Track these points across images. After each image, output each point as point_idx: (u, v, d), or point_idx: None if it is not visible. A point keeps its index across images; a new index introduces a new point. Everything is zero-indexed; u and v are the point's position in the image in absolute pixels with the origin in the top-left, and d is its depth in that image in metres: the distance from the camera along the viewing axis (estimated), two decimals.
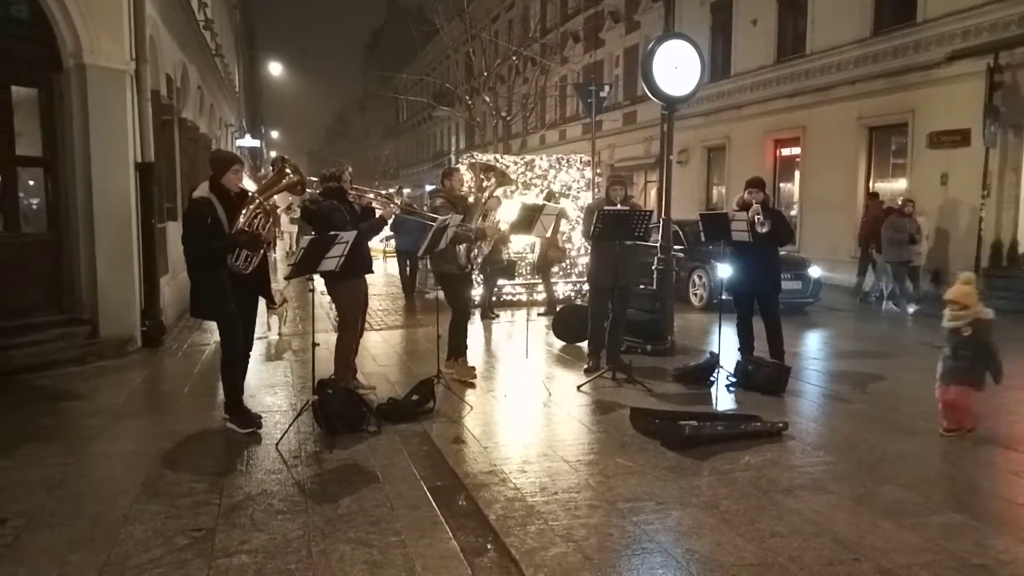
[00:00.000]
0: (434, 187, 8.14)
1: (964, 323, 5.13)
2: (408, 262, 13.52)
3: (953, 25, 13.06)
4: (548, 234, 8.90)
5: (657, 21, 21.38)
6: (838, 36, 15.70)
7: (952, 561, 3.41)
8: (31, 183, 8.36)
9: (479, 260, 7.15)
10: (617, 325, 7.13)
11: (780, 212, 7.56)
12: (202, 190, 5.16)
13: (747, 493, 4.21)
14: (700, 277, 11.80)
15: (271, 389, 6.49)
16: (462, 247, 6.73)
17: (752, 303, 7.17)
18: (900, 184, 14.64)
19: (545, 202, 9.28)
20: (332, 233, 5.18)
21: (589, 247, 7.69)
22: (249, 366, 5.74)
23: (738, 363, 6.84)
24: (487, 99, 25.09)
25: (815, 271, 11.66)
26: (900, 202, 12.02)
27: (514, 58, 25.54)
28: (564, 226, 11.27)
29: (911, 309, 11.40)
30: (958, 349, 5.16)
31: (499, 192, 7.19)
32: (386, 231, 15.35)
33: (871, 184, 15.35)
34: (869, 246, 12.78)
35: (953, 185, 13.09)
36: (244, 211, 5.11)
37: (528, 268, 11.64)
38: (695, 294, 11.89)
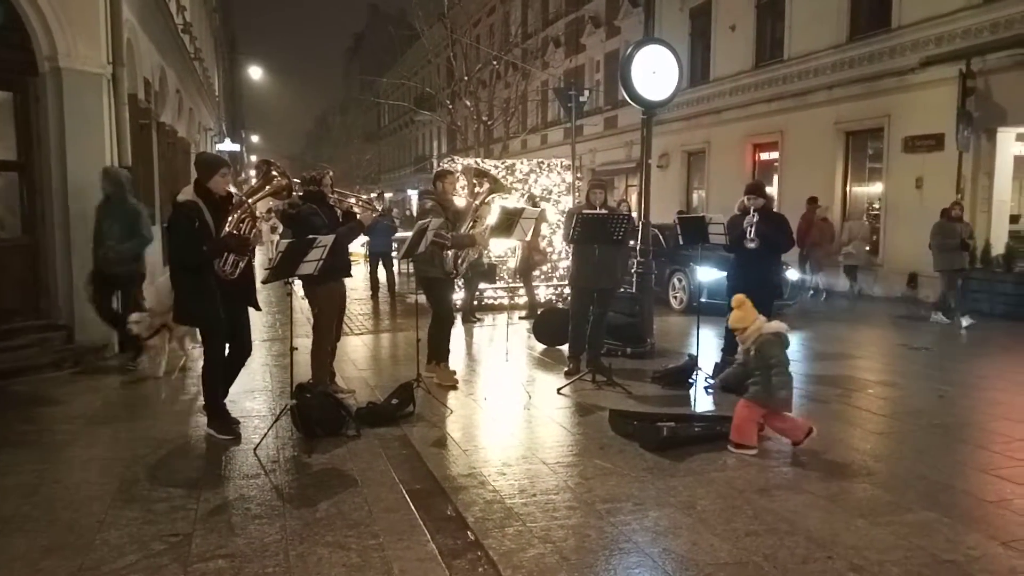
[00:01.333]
0: (424, 188, 8.11)
1: (749, 344, 5.14)
2: (381, 263, 13.73)
3: (927, 31, 13.28)
4: (528, 238, 8.94)
5: (637, 26, 21.53)
6: (815, 42, 15.90)
7: (924, 557, 3.47)
8: (5, 188, 8.27)
9: (464, 266, 7.09)
10: (598, 328, 7.16)
11: (783, 217, 7.31)
12: (187, 193, 5.08)
13: (723, 493, 4.25)
14: (680, 280, 11.86)
15: (250, 394, 6.46)
16: (449, 252, 6.68)
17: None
18: (876, 188, 14.85)
19: (525, 206, 9.32)
20: (310, 237, 5.16)
21: (570, 251, 7.71)
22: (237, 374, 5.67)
23: (716, 364, 6.90)
24: (468, 104, 25.12)
25: (792, 274, 11.67)
26: (949, 205, 11.09)
27: (495, 63, 25.60)
28: (545, 230, 11.32)
29: (965, 323, 10.38)
30: (753, 369, 5.12)
31: (491, 199, 7.14)
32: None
33: (848, 188, 15.56)
34: (803, 249, 13.61)
35: (928, 189, 13.28)
36: (232, 215, 5.07)
37: (509, 272, 11.66)
38: (675, 297, 11.98)
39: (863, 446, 5.18)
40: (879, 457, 4.97)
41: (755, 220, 6.75)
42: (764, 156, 18.21)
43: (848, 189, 15.62)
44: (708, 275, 10.25)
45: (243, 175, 35.71)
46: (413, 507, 4.05)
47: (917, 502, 4.14)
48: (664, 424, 5.15)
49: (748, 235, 6.72)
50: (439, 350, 6.96)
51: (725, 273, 8.95)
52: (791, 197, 16.70)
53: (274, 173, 5.38)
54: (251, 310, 5.51)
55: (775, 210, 7.24)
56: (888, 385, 7.09)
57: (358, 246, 13.91)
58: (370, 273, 14.31)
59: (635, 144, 22.02)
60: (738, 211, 7.09)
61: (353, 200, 6.41)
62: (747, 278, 6.97)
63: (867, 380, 7.25)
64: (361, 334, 9.83)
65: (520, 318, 10.73)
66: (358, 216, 6.10)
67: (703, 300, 9.03)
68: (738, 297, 5.27)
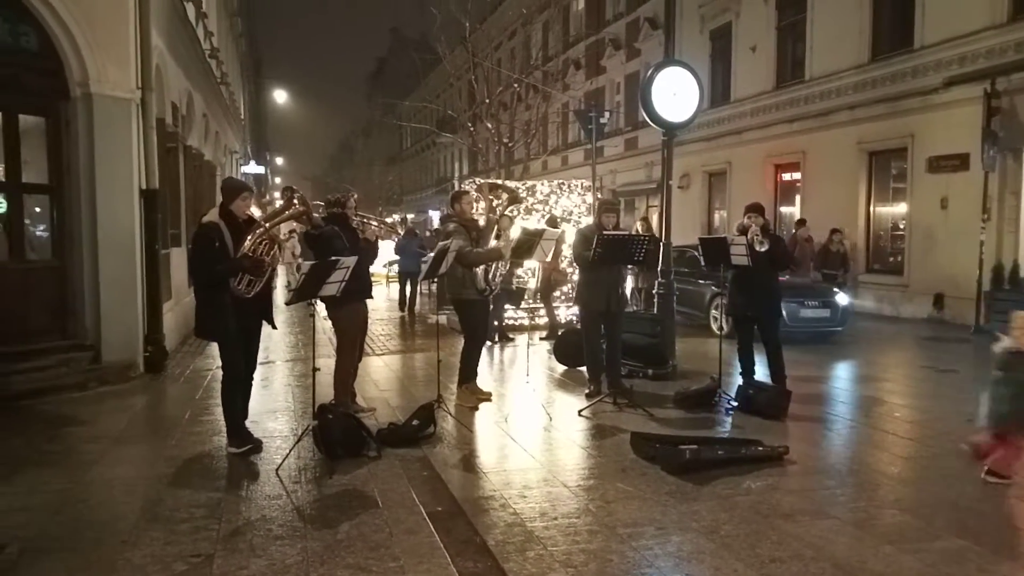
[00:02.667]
0: (445, 212, 8.18)
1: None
2: (408, 282, 14.86)
3: (950, 51, 13.19)
4: (548, 259, 8.94)
5: (657, 48, 21.61)
6: (837, 62, 15.85)
7: None
8: (37, 210, 8.45)
9: (497, 281, 7.07)
10: (613, 349, 7.14)
11: (780, 237, 7.59)
12: (212, 215, 5.30)
13: (747, 518, 4.19)
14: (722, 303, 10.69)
15: (272, 414, 6.49)
16: (479, 270, 6.69)
17: (752, 327, 7.17)
18: (901, 208, 14.70)
19: (546, 227, 9.33)
20: (333, 258, 5.22)
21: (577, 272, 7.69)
22: (252, 391, 5.75)
23: (739, 387, 6.84)
24: (489, 126, 25.29)
25: (843, 298, 11.17)
26: None
27: (516, 86, 25.80)
28: (566, 251, 11.32)
29: None
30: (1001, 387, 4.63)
31: (510, 211, 7.19)
32: (390, 255, 15.81)
33: (872, 208, 15.43)
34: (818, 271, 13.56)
35: (953, 209, 13.13)
36: (250, 237, 5.20)
37: (530, 293, 11.66)
38: (715, 320, 11.20)
39: (890, 470, 5.09)
40: (906, 482, 4.88)
41: (758, 232, 6.80)
42: (786, 176, 18.12)
43: (872, 209, 15.48)
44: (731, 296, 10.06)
45: (267, 197, 36.17)
46: (434, 529, 4.04)
47: (946, 529, 4.05)
48: (686, 447, 5.10)
49: (757, 239, 6.72)
50: (469, 372, 6.96)
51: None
52: (814, 217, 16.57)
53: (295, 200, 5.55)
54: (265, 328, 5.61)
55: (772, 233, 7.33)
56: (914, 408, 6.98)
57: (380, 267, 14.29)
58: (399, 291, 15.35)
59: (656, 165, 22.04)
60: (736, 231, 7.11)
61: (375, 224, 6.47)
62: (752, 294, 6.98)
63: (893, 403, 7.14)
64: (383, 354, 9.86)
65: (541, 339, 10.71)
66: (376, 238, 6.21)
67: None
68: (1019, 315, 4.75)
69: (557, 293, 11.49)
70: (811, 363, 9.06)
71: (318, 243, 5.95)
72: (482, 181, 11.45)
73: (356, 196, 6.52)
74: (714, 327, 11.30)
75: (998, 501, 4.52)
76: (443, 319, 7.10)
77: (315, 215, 6.00)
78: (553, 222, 10.74)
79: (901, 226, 14.75)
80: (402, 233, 6.86)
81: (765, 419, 6.29)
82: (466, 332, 6.97)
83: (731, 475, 4.88)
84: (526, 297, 11.61)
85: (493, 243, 6.91)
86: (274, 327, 5.71)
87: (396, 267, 15.81)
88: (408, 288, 14.85)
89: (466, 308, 6.87)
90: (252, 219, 5.43)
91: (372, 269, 6.60)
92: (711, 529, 4.03)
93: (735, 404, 6.64)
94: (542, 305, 11.37)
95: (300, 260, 6.65)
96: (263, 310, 5.51)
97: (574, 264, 11.68)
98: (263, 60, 49.61)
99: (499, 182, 10.40)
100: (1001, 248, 12.27)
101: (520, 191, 11.69)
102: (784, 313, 9.24)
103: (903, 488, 4.73)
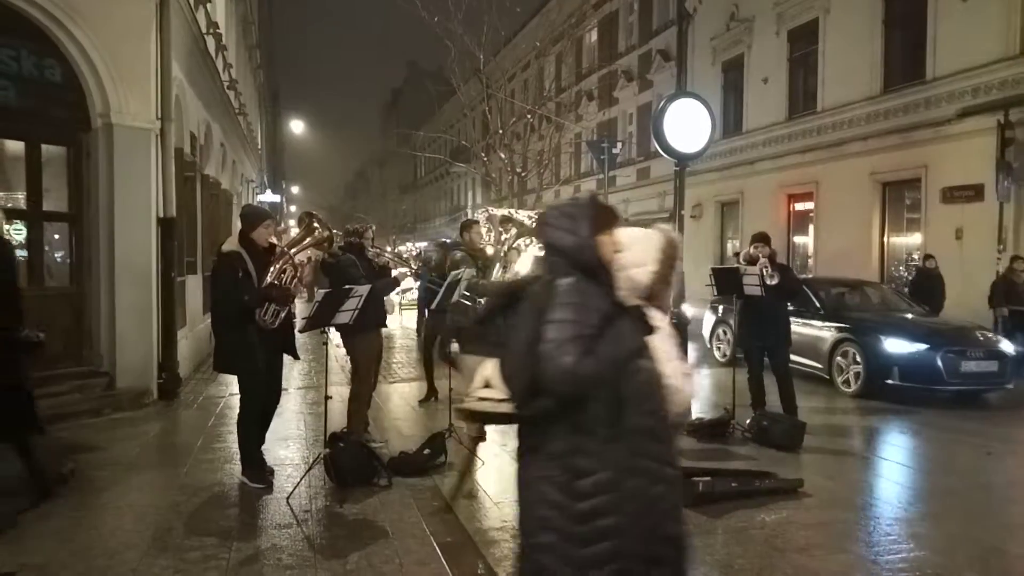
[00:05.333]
0: (453, 240, 8.24)
1: None
2: (427, 310, 14.64)
3: (963, 83, 13.22)
4: None
5: (670, 80, 21.79)
6: (849, 93, 15.91)
7: None
8: (56, 237, 8.57)
9: None
10: None
11: (787, 266, 7.55)
12: (232, 244, 5.22)
13: (762, 552, 4.14)
14: (850, 353, 9.11)
15: (284, 442, 6.49)
16: (482, 300, 6.73)
17: (763, 357, 7.13)
18: (915, 239, 14.64)
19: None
20: (346, 287, 5.24)
21: None
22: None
23: (752, 418, 6.78)
24: (503, 156, 25.50)
25: (1008, 346, 8.93)
26: None
27: (529, 116, 26.04)
28: None
29: None
30: None
31: (518, 243, 7.22)
32: (407, 282, 16.03)
33: (886, 239, 15.37)
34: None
35: (968, 240, 13.06)
36: (274, 265, 5.18)
37: None
38: (841, 374, 9.21)
39: (908, 504, 5.01)
40: (924, 516, 4.80)
41: (767, 264, 6.78)
42: (799, 206, 18.12)
43: (886, 240, 15.43)
44: (899, 347, 8.52)
45: (283, 225, 36.47)
46: (444, 561, 4.00)
47: (967, 566, 3.98)
48: (700, 479, 5.04)
49: (767, 272, 6.70)
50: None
51: (919, 345, 8.42)
52: (827, 247, 16.56)
53: (316, 225, 5.51)
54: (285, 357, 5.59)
55: (779, 262, 7.30)
56: (931, 441, 6.88)
57: (393, 295, 14.49)
58: (418, 319, 15.60)
59: (668, 194, 22.11)
60: (743, 261, 7.10)
61: (389, 257, 6.52)
62: (762, 323, 6.95)
63: (906, 434, 7.04)
64: (395, 382, 9.86)
65: None
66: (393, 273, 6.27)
67: (892, 382, 8.20)
68: None
69: None
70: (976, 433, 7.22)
71: (334, 271, 5.98)
72: (493, 211, 11.52)
73: (374, 228, 6.60)
74: (841, 382, 9.08)
75: (1019, 538, 4.43)
76: (455, 347, 7.09)
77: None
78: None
79: (915, 257, 14.67)
80: (415, 267, 7.00)
81: (780, 451, 6.23)
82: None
83: (745, 508, 4.82)
84: None
85: (496, 274, 6.95)
86: (296, 358, 5.69)
87: (412, 293, 16.05)
88: (426, 315, 15.07)
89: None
90: (273, 247, 5.36)
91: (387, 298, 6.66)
92: (725, 563, 3.98)
93: (749, 435, 6.58)
94: None
95: (304, 290, 6.67)
96: (285, 341, 5.45)
97: None
98: (280, 91, 50.44)
99: (511, 214, 10.40)
100: (1018, 278, 12.16)
101: (531, 221, 11.72)
102: (940, 366, 8.26)
103: (921, 523, 4.65)
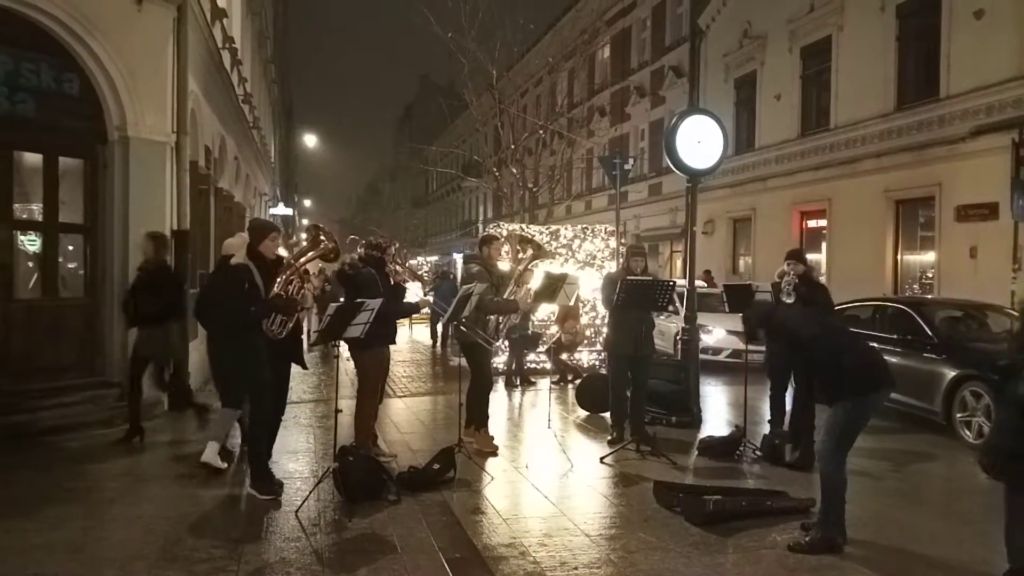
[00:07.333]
0: (470, 253, 8.26)
1: None
2: (440, 321, 15.41)
3: (976, 101, 13.17)
4: (571, 303, 8.93)
5: (682, 96, 21.86)
6: (862, 111, 15.89)
7: None
8: (71, 248, 8.64)
9: (504, 331, 7.14)
10: (639, 396, 7.07)
11: (821, 285, 7.23)
12: (239, 256, 5.30)
13: (773, 572, 4.09)
14: (976, 397, 7.24)
15: (293, 455, 6.49)
16: (492, 318, 6.75)
17: (788, 379, 7.05)
18: (929, 257, 14.55)
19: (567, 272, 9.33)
20: (359, 300, 5.26)
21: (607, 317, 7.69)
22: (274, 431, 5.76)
23: (765, 437, 6.72)
24: (514, 171, 25.57)
25: None
26: None
27: (541, 132, 26.13)
28: (587, 294, 11.28)
29: None
30: None
31: (532, 264, 7.23)
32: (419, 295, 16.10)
33: (899, 257, 15.28)
34: None
35: (983, 258, 12.96)
36: (280, 277, 5.24)
37: (550, 338, 11.61)
38: (964, 420, 7.34)
39: (922, 525, 4.95)
40: (938, 536, 4.73)
41: (795, 281, 6.56)
42: (811, 223, 18.05)
43: (899, 258, 15.33)
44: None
45: (294, 237, 36.63)
46: None
47: None
48: (710, 497, 5.00)
49: (785, 291, 6.53)
50: (478, 415, 6.92)
51: None
52: (840, 265, 16.47)
53: (322, 237, 5.56)
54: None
55: (814, 280, 6.98)
56: (947, 461, 6.80)
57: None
58: (431, 329, 16.44)
59: (679, 210, 22.10)
60: (777, 278, 7.01)
61: (405, 276, 6.53)
62: (790, 346, 6.83)
63: (919, 454, 6.95)
64: (403, 396, 9.85)
65: (552, 383, 10.58)
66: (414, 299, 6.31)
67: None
68: None
69: (565, 356, 11.28)
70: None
71: (352, 283, 6.00)
72: (511, 229, 11.54)
73: (397, 245, 6.60)
74: (965, 433, 7.24)
75: None
76: (464, 362, 7.10)
77: (354, 254, 6.06)
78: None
79: (929, 275, 14.57)
80: (427, 282, 7.17)
81: (792, 470, 6.17)
82: (473, 372, 6.97)
83: (756, 527, 4.78)
84: (543, 340, 11.56)
85: (512, 295, 6.96)
86: (305, 368, 5.73)
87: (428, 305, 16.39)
88: (440, 327, 15.41)
89: (472, 350, 6.89)
90: (280, 259, 5.48)
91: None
92: None
93: (761, 454, 6.53)
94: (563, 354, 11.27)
95: (314, 304, 6.67)
96: (293, 352, 5.51)
97: (594, 309, 11.74)
98: (294, 105, 50.83)
99: (531, 235, 10.43)
100: None
101: (544, 236, 11.73)
102: None
103: (934, 544, 4.58)
